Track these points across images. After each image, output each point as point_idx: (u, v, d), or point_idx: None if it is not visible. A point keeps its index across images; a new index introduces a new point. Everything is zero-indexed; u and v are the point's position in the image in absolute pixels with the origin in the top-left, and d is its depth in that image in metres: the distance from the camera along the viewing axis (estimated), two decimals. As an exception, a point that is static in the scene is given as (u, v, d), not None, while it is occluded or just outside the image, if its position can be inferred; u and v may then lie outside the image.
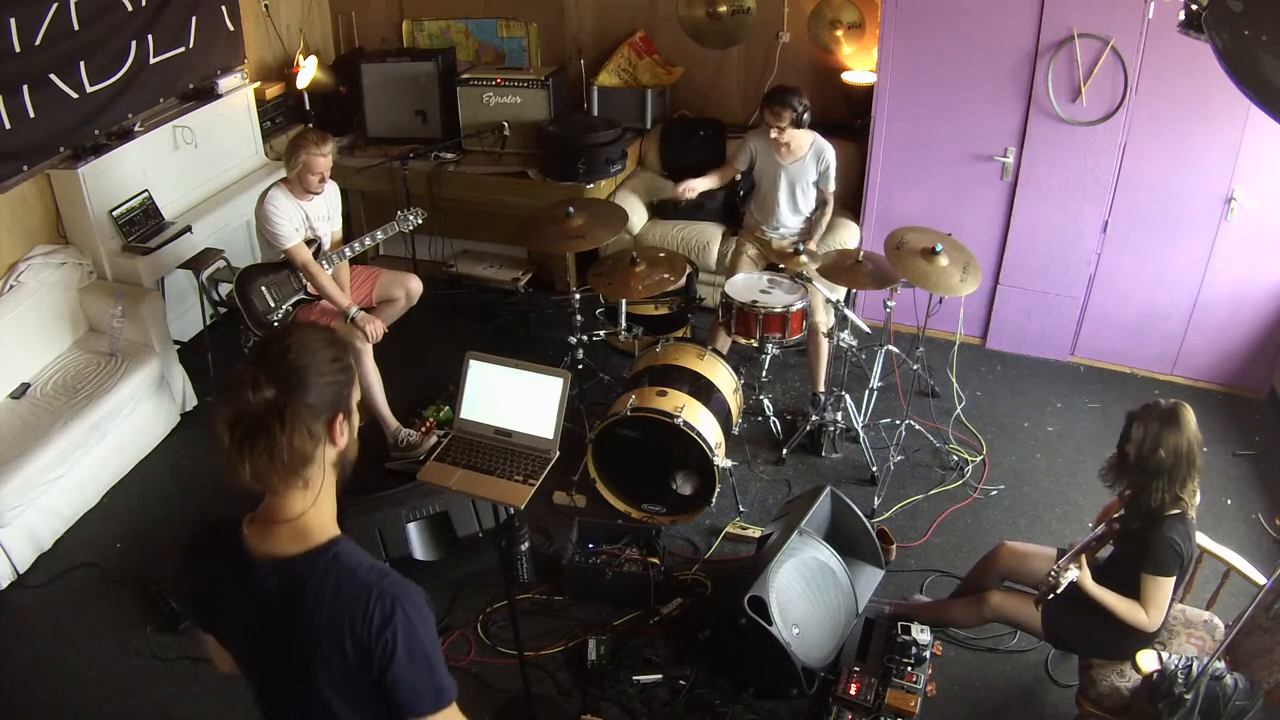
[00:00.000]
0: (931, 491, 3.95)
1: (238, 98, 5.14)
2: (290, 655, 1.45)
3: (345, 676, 1.42)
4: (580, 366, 4.26)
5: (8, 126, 3.86)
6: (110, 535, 3.82)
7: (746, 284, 4.05)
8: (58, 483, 3.71)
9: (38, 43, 3.89)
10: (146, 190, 4.56)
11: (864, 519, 3.37)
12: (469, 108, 5.33)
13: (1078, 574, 2.57)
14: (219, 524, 1.50)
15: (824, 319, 4.16)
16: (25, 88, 3.89)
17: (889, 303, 3.99)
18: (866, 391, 4.29)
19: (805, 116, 4.10)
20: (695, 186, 4.45)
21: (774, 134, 4.13)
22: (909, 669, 2.93)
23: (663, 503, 3.77)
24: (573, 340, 4.22)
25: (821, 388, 4.25)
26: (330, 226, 4.12)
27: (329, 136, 3.89)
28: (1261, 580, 2.73)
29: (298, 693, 1.48)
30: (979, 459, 4.12)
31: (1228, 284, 4.32)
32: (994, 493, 3.95)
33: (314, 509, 1.44)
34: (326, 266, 4.02)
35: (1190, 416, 2.58)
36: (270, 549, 1.43)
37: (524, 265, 5.50)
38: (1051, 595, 2.56)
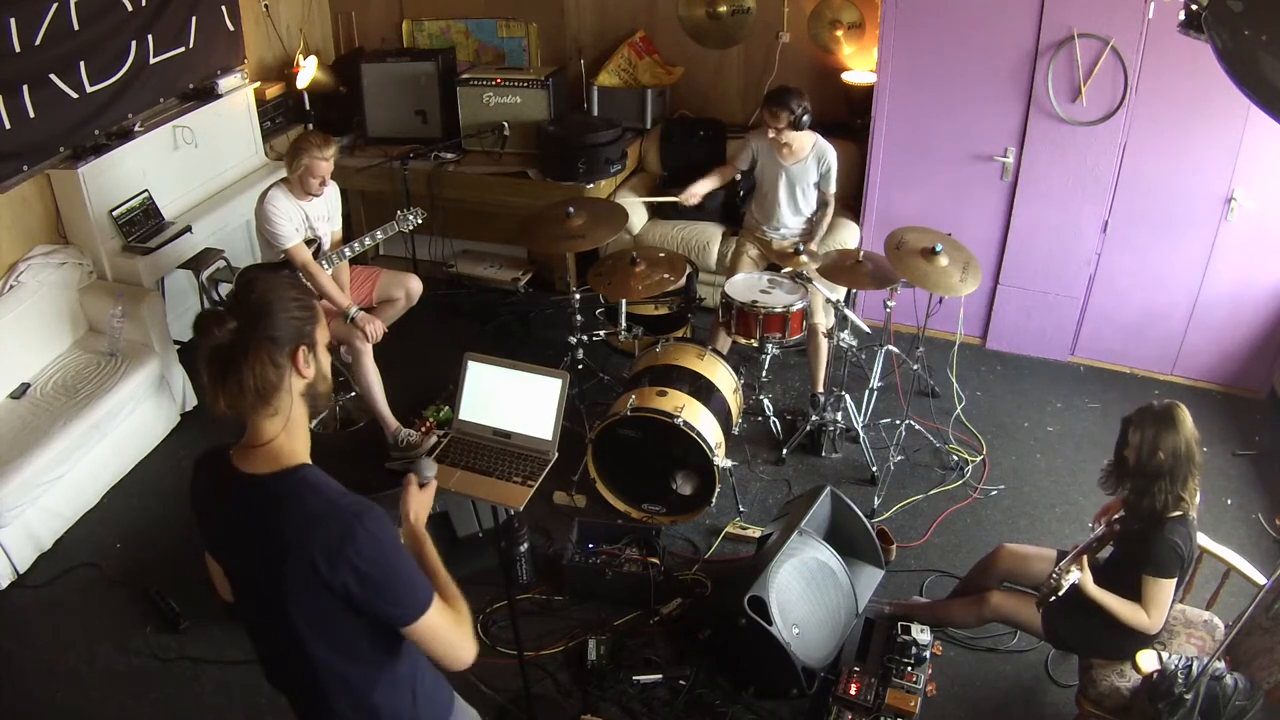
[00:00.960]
0: (931, 491, 3.95)
1: (238, 98, 5.13)
2: (264, 569, 1.56)
3: (314, 594, 1.54)
4: (580, 366, 4.26)
5: (8, 126, 3.86)
6: (110, 535, 3.82)
7: (746, 284, 4.05)
8: (58, 483, 3.71)
9: (38, 43, 3.89)
10: (146, 190, 4.56)
11: (864, 519, 3.37)
12: (469, 108, 5.33)
13: (1079, 576, 2.57)
14: (215, 451, 1.66)
15: (824, 319, 4.16)
16: (25, 88, 3.89)
17: (889, 303, 3.99)
18: (866, 391, 4.29)
19: (804, 118, 4.10)
20: (697, 192, 4.46)
21: (771, 134, 4.14)
22: (909, 669, 2.93)
23: (663, 503, 3.77)
24: (573, 340, 4.21)
25: (821, 388, 4.25)
26: (330, 226, 4.12)
27: (332, 140, 3.89)
28: (1261, 580, 2.73)
29: (275, 617, 1.60)
30: (979, 459, 4.12)
31: (1228, 284, 4.32)
32: (994, 493, 3.95)
33: (285, 435, 1.58)
34: (326, 266, 4.02)
35: (1186, 415, 2.58)
36: (250, 468, 1.58)
37: (524, 265, 5.50)
38: (1053, 598, 2.56)
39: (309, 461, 1.61)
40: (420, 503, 1.89)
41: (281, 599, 1.57)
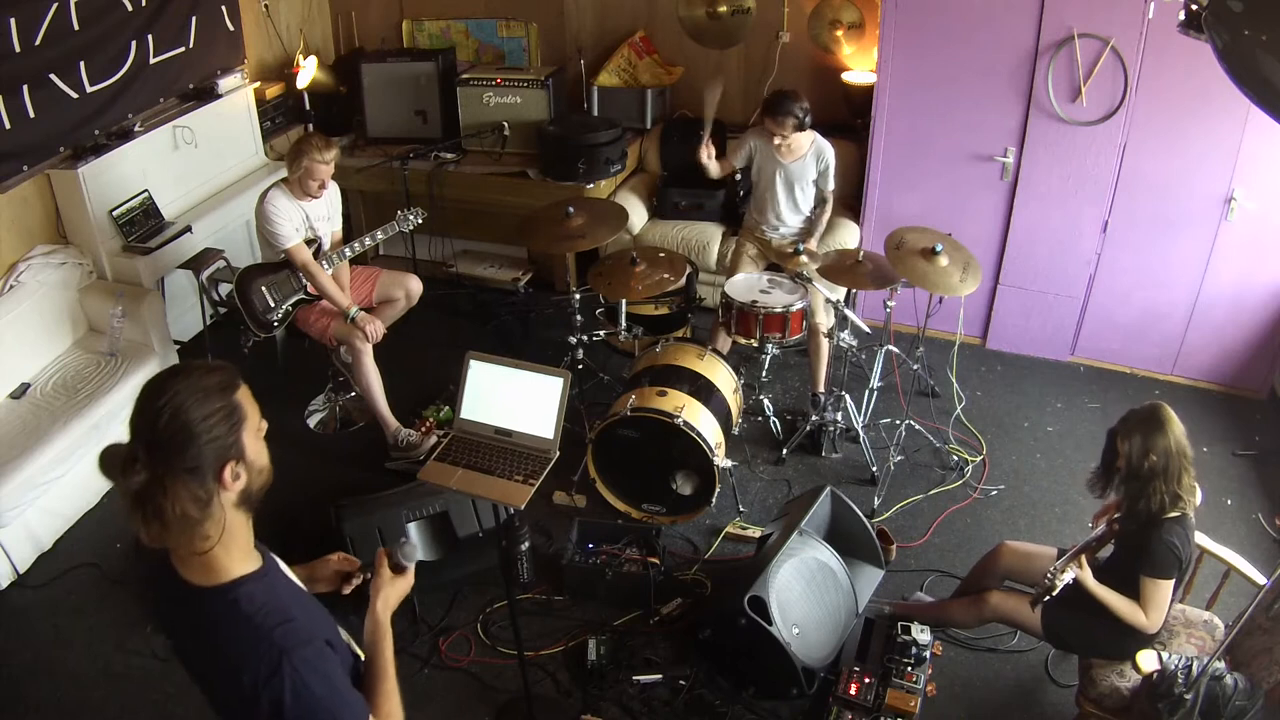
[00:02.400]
0: (931, 491, 3.95)
1: (238, 98, 5.14)
2: (202, 680, 1.55)
3: (245, 716, 1.47)
4: (580, 366, 4.26)
5: (8, 126, 3.86)
6: (110, 535, 3.81)
7: (746, 284, 4.05)
8: (58, 483, 3.71)
9: (38, 43, 3.89)
10: (146, 190, 4.56)
11: (864, 519, 3.37)
12: (469, 108, 5.33)
13: (1075, 575, 2.57)
14: (160, 555, 1.53)
15: (824, 319, 4.16)
16: (25, 88, 3.89)
17: (889, 303, 3.99)
18: (866, 391, 4.29)
19: (807, 120, 4.11)
20: (712, 157, 4.31)
21: (778, 141, 4.14)
22: (909, 669, 2.92)
23: (663, 503, 3.77)
24: (573, 340, 4.21)
25: (821, 388, 4.26)
26: (330, 226, 4.12)
27: (334, 143, 3.89)
28: (1261, 580, 2.73)
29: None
30: (979, 459, 4.12)
31: (1228, 284, 4.32)
32: (994, 493, 3.95)
33: (220, 546, 1.47)
34: (326, 266, 4.02)
35: (1171, 414, 2.59)
36: (187, 575, 1.49)
37: (524, 265, 5.50)
38: (1048, 597, 2.56)
39: (250, 570, 1.51)
40: (394, 590, 1.73)
41: (218, 709, 1.56)
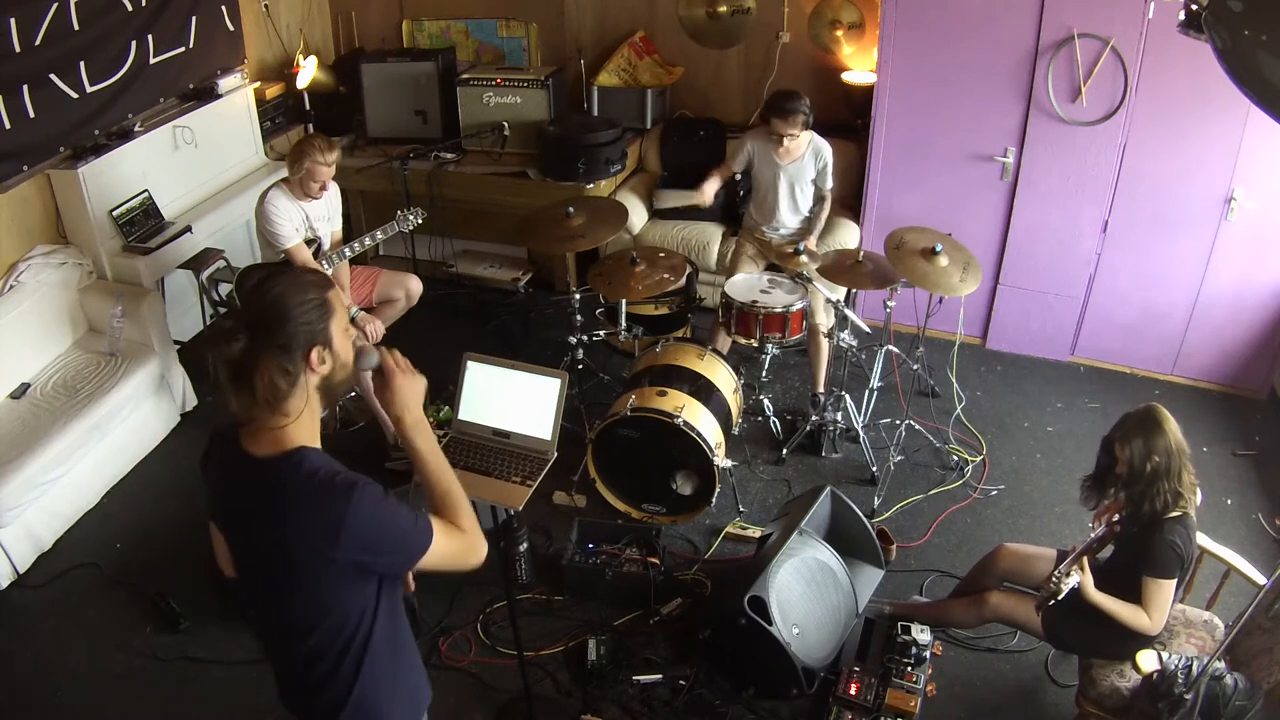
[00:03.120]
0: (931, 491, 3.95)
1: (238, 98, 5.14)
2: (265, 546, 1.63)
3: (318, 569, 1.59)
4: (580, 366, 4.26)
5: (8, 126, 3.86)
6: (110, 535, 3.82)
7: (746, 284, 4.05)
8: (58, 483, 3.71)
9: (38, 43, 3.89)
10: (146, 190, 4.56)
11: (864, 519, 3.37)
12: (469, 108, 5.33)
13: (1079, 579, 2.57)
14: (227, 429, 1.68)
15: (824, 319, 4.16)
16: (25, 88, 3.89)
17: (889, 303, 3.99)
18: (866, 391, 4.29)
19: (811, 118, 4.14)
20: (710, 190, 4.41)
21: (786, 141, 4.15)
22: (909, 669, 2.92)
23: (663, 503, 3.77)
24: (573, 340, 4.21)
25: (821, 388, 4.26)
26: (330, 227, 4.12)
27: (336, 145, 3.89)
28: (1261, 580, 2.73)
29: (272, 593, 1.68)
30: (979, 459, 4.12)
31: (1228, 284, 4.32)
32: (994, 493, 3.95)
33: (294, 424, 1.62)
34: (326, 266, 4.02)
35: (1165, 413, 2.60)
36: (255, 450, 1.62)
37: (524, 265, 5.50)
38: (1053, 601, 2.56)
39: (309, 444, 1.64)
40: (408, 392, 1.77)
41: (280, 575, 1.64)
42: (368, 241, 4.16)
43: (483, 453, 2.63)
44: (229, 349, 1.53)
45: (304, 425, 1.64)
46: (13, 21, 3.75)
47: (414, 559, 1.67)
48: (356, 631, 1.70)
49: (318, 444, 1.66)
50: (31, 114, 3.94)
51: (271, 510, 1.60)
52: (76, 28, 4.05)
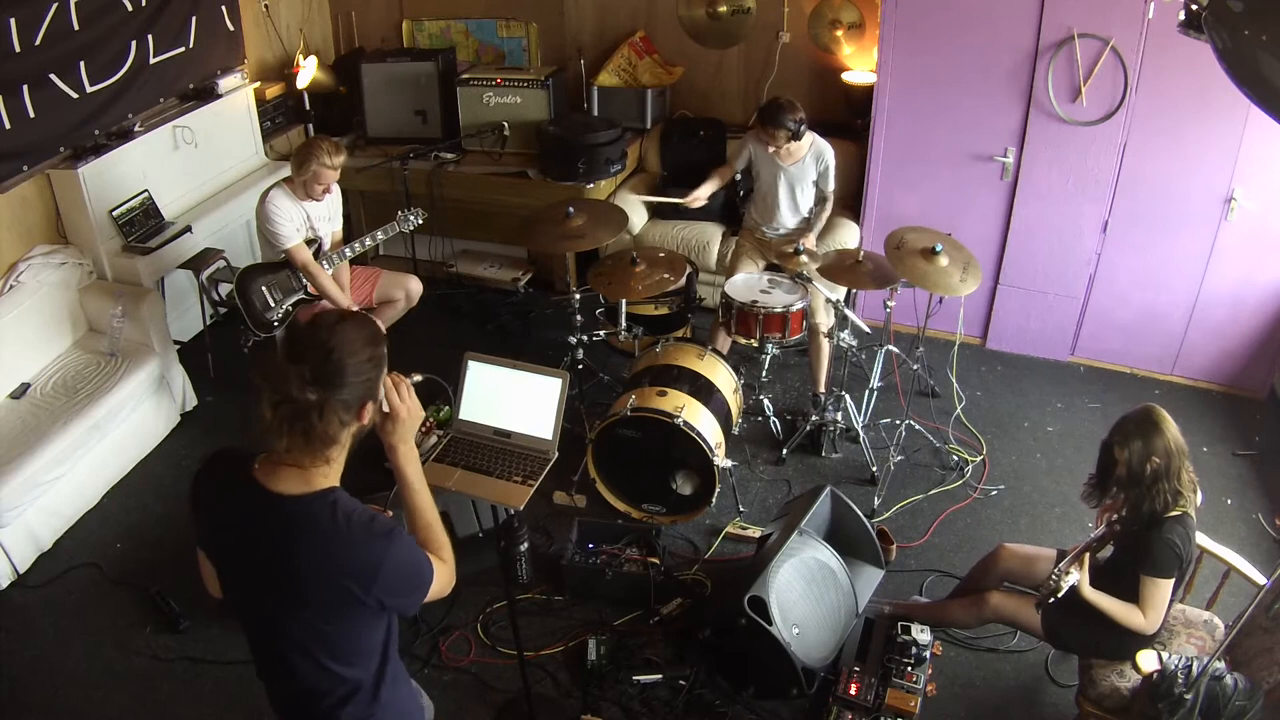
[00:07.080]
0: (931, 491, 3.95)
1: (238, 98, 5.14)
2: (280, 585, 1.65)
3: (339, 611, 1.64)
4: (580, 366, 4.26)
5: (8, 126, 3.86)
6: (110, 535, 3.82)
7: (746, 284, 4.05)
8: (58, 483, 3.71)
9: (38, 43, 3.89)
10: (146, 190, 4.56)
11: (864, 519, 3.37)
12: (469, 108, 5.33)
13: (1078, 577, 2.57)
14: (231, 455, 1.71)
15: (824, 319, 4.16)
16: (25, 88, 3.89)
17: (889, 303, 3.99)
18: (866, 391, 4.29)
19: (801, 129, 4.09)
20: (701, 195, 4.45)
21: (772, 150, 4.14)
22: (909, 669, 2.92)
23: (663, 503, 3.77)
24: (573, 340, 4.21)
25: (822, 388, 4.26)
26: (331, 227, 4.12)
27: (342, 148, 3.89)
28: (1261, 580, 2.73)
29: (278, 628, 1.71)
30: (979, 459, 4.12)
31: (1228, 284, 4.32)
32: (994, 493, 3.95)
33: (327, 465, 1.65)
34: (327, 267, 4.02)
35: (1163, 413, 2.60)
36: (276, 486, 1.62)
37: (524, 265, 5.50)
38: (1052, 599, 2.56)
39: (338, 485, 1.67)
40: (409, 426, 1.80)
41: (291, 614, 1.67)
42: (368, 242, 4.17)
43: (483, 452, 2.63)
44: (298, 396, 1.54)
45: (336, 467, 1.68)
46: (13, 21, 3.75)
47: (422, 597, 1.74)
48: (372, 659, 1.76)
49: (336, 483, 1.69)
50: (31, 114, 3.94)
51: (296, 546, 1.62)
52: (76, 28, 4.05)
